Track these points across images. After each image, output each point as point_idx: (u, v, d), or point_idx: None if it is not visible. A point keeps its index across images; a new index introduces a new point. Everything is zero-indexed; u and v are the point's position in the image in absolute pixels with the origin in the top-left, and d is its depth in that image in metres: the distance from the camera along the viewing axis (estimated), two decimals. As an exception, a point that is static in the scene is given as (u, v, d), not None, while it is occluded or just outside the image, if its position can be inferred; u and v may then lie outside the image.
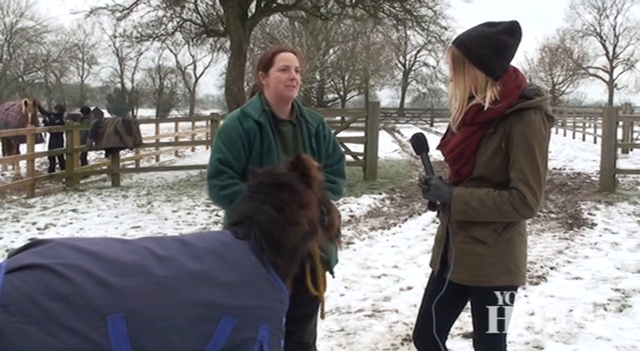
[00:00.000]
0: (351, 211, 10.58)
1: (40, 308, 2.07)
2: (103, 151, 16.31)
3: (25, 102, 16.62)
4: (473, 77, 2.77)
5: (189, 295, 2.22)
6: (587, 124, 33.08)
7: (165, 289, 2.21)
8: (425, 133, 3.28)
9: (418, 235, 8.83)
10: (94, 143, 14.46)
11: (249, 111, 3.35)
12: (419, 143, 3.06)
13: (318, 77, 44.71)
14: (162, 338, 2.19)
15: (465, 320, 4.61)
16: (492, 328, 2.93)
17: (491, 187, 2.80)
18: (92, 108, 20.02)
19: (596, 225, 9.56)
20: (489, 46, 2.73)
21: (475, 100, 2.79)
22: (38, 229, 9.37)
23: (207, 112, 32.45)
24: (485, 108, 2.74)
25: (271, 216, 2.49)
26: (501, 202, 2.74)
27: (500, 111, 2.75)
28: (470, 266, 2.87)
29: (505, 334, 2.99)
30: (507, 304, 2.92)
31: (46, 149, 15.94)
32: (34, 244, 2.30)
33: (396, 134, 36.27)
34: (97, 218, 10.24)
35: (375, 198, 11.88)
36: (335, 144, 3.60)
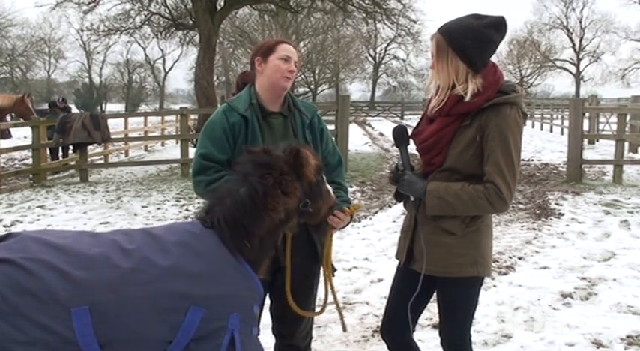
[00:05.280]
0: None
1: (6, 302, 2.09)
2: (71, 147, 16.06)
3: (24, 97, 16.32)
4: (455, 67, 2.77)
5: (155, 286, 2.23)
6: (554, 116, 33.60)
7: (130, 281, 2.22)
8: (402, 124, 3.24)
9: (389, 227, 8.87)
10: (61, 139, 14.25)
11: (235, 104, 3.26)
12: (400, 136, 3.03)
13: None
14: (129, 329, 2.20)
15: (434, 311, 4.63)
16: (459, 317, 2.98)
17: (461, 179, 2.82)
18: (60, 98, 19.48)
19: (563, 215, 9.71)
20: (474, 39, 2.73)
21: (455, 90, 2.79)
22: (4, 226, 9.20)
23: (177, 107, 32.17)
24: (467, 99, 2.74)
25: (241, 201, 2.46)
26: (477, 196, 2.75)
27: (478, 104, 2.75)
28: (438, 257, 2.89)
29: (471, 322, 3.04)
30: (474, 295, 2.97)
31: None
32: (4, 238, 2.31)
33: (367, 127, 36.37)
34: (65, 214, 10.10)
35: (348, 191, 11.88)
36: (333, 143, 3.50)
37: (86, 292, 2.16)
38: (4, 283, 2.10)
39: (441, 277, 2.93)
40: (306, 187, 2.63)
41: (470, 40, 2.73)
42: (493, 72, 2.82)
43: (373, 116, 50.10)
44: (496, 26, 2.77)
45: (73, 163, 15.83)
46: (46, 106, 19.19)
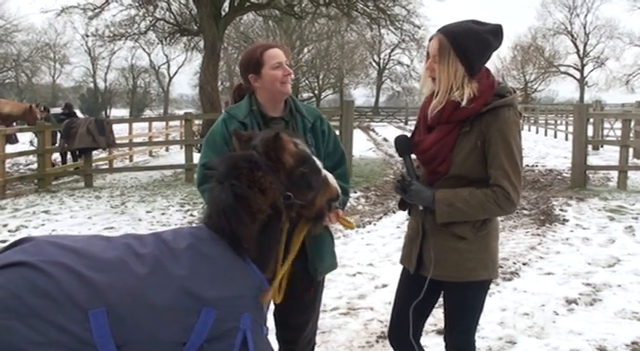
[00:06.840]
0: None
1: (25, 304, 2.12)
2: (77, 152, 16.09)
3: (32, 107, 16.45)
4: (454, 69, 2.78)
5: (169, 290, 2.28)
6: (558, 122, 33.53)
7: (145, 284, 2.26)
8: (404, 133, 3.23)
9: (393, 232, 8.87)
10: (66, 144, 14.29)
11: (234, 112, 3.27)
12: (402, 146, 3.03)
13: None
14: (144, 331, 2.24)
15: (439, 317, 4.65)
16: (465, 322, 2.99)
17: (468, 184, 2.83)
18: (64, 104, 19.50)
19: (567, 221, 9.69)
20: (476, 43, 2.75)
21: (452, 96, 2.79)
22: (9, 231, 9.23)
23: (182, 112, 32.23)
24: (463, 104, 2.75)
25: (223, 209, 2.48)
26: (486, 200, 2.76)
27: (477, 109, 2.76)
28: (450, 262, 2.89)
29: (476, 327, 3.04)
30: (481, 298, 2.97)
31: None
32: (18, 242, 2.35)
33: (371, 133, 36.37)
34: (69, 219, 10.13)
35: (349, 196, 11.87)
36: (336, 143, 3.43)
37: (103, 294, 2.20)
38: (23, 286, 2.13)
39: (449, 282, 2.94)
40: (284, 178, 2.58)
41: (472, 43, 2.75)
42: (487, 76, 2.85)
43: (377, 122, 50.10)
44: (495, 33, 2.81)
45: (77, 168, 15.85)
46: (53, 111, 19.24)
